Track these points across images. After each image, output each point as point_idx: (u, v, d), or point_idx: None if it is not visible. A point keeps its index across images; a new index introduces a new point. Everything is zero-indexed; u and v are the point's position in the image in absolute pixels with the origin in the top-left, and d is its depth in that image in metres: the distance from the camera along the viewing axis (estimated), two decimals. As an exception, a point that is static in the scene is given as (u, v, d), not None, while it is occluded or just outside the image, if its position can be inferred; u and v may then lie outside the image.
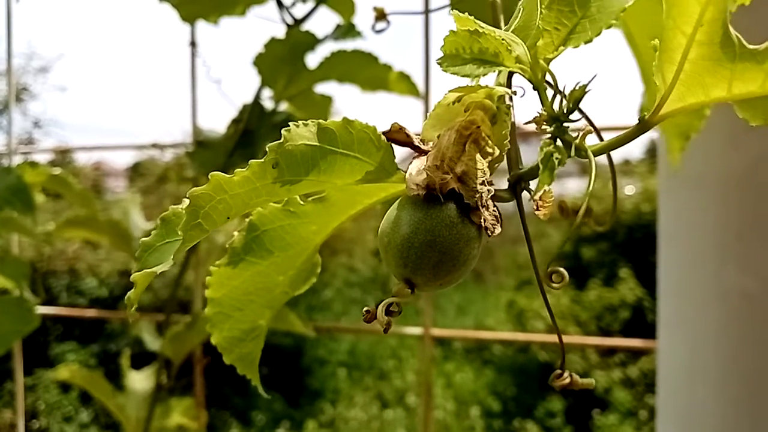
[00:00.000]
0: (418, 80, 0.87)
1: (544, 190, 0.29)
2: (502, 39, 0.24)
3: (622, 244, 4.15)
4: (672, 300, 0.69)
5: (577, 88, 0.25)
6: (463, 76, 0.25)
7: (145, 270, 0.27)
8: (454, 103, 0.28)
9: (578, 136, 0.26)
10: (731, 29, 0.23)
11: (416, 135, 0.28)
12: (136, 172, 5.82)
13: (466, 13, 0.25)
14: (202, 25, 0.92)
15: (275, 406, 4.07)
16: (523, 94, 0.30)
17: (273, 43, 0.82)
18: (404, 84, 0.87)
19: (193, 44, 0.93)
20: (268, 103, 0.92)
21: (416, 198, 0.26)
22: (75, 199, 0.80)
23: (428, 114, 0.28)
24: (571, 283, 4.24)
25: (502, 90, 0.27)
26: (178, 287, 0.92)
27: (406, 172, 0.28)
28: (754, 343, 0.62)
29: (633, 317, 4.02)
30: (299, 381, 4.33)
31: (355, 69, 0.87)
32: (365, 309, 0.26)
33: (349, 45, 0.86)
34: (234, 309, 0.35)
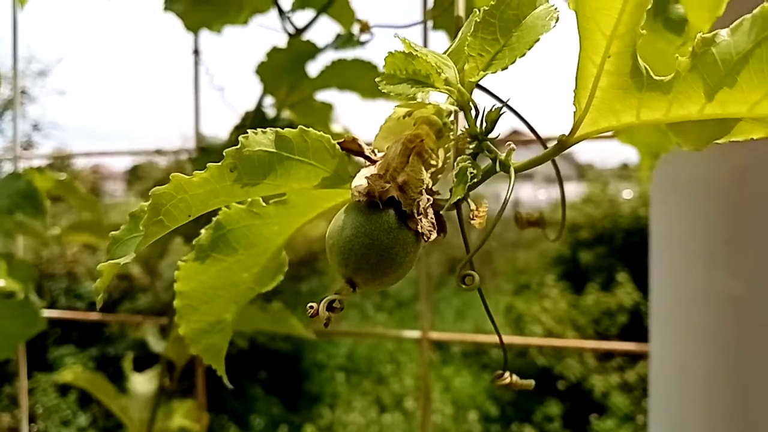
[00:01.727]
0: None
1: (480, 203, 0.31)
2: (433, 62, 0.26)
3: (620, 249, 4.17)
4: (664, 303, 0.71)
5: (493, 109, 0.27)
6: (397, 94, 0.27)
7: (110, 261, 0.28)
8: (404, 117, 0.30)
9: (506, 152, 0.28)
10: (640, 61, 0.24)
11: (368, 146, 0.30)
12: (134, 175, 5.85)
13: (405, 38, 0.27)
14: (204, 33, 0.94)
15: (273, 410, 4.07)
16: (477, 114, 0.32)
17: (275, 52, 0.84)
18: (403, 92, 0.89)
19: (196, 52, 0.95)
20: (269, 111, 0.94)
21: (360, 204, 0.28)
22: (81, 204, 0.82)
23: (380, 127, 0.30)
24: (569, 287, 4.26)
25: (449, 107, 0.29)
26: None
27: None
28: (742, 344, 0.63)
29: (631, 321, 4.04)
30: (297, 385, 4.33)
31: (355, 77, 0.89)
32: (309, 305, 0.27)
33: (349, 54, 0.88)
34: (201, 302, 0.37)
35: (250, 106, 0.94)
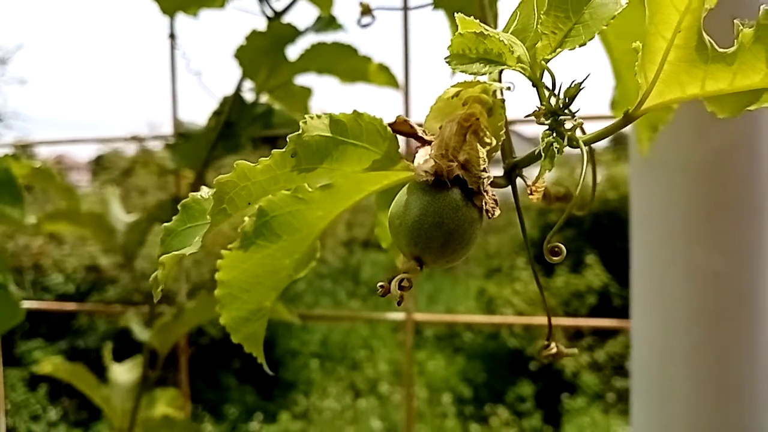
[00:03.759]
0: (397, 72, 0.89)
1: (537, 178, 0.32)
2: (506, 41, 0.26)
3: (589, 231, 4.24)
4: (644, 280, 0.73)
5: (572, 85, 0.27)
6: (471, 73, 0.27)
7: (173, 252, 0.28)
8: (452, 97, 0.30)
9: (571, 127, 0.28)
10: (705, 34, 0.26)
11: (419, 126, 0.30)
12: (99, 165, 5.73)
13: (472, 17, 0.28)
14: (177, 17, 0.92)
15: (248, 398, 4.07)
16: (513, 89, 0.32)
17: (254, 35, 0.83)
18: (383, 75, 0.89)
19: (172, 36, 0.93)
20: (246, 95, 0.93)
21: (424, 184, 0.28)
22: (59, 193, 0.80)
23: (430, 107, 0.30)
24: (539, 269, 4.32)
25: (497, 85, 0.30)
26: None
27: (411, 161, 0.30)
28: (722, 318, 0.65)
29: (599, 302, 4.11)
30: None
31: (334, 61, 0.89)
32: (379, 284, 0.28)
33: (328, 37, 0.87)
34: (242, 290, 0.37)
35: (226, 91, 0.93)
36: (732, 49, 0.25)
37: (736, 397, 0.67)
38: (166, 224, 0.30)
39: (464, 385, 4.06)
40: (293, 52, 0.88)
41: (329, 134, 0.27)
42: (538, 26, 0.27)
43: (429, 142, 0.29)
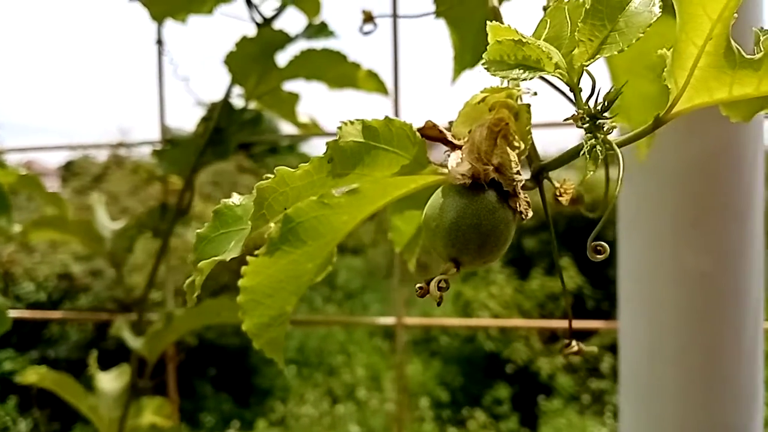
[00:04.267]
0: (386, 78, 0.90)
1: (566, 181, 0.32)
2: (544, 48, 0.27)
3: (563, 234, 4.28)
4: (632, 281, 0.74)
5: (611, 90, 0.28)
6: (512, 79, 0.28)
7: (212, 258, 0.29)
8: (479, 102, 0.31)
9: (606, 131, 0.29)
10: (732, 41, 0.27)
11: (447, 131, 0.31)
12: (69, 171, 5.63)
13: (508, 24, 0.28)
14: (148, 22, 0.92)
15: (224, 406, 4.03)
16: (536, 95, 0.33)
17: (245, 41, 0.83)
18: (372, 82, 0.90)
19: (159, 42, 0.93)
20: (234, 101, 0.93)
21: (459, 187, 0.29)
22: (46, 200, 0.79)
23: (458, 112, 0.31)
24: (514, 273, 4.36)
25: (521, 90, 0.31)
26: (126, 285, 0.92)
27: (441, 165, 0.31)
28: (709, 318, 0.67)
29: (573, 304, 4.16)
30: (248, 380, 4.29)
31: (324, 67, 0.89)
32: (418, 286, 0.28)
33: (317, 44, 0.87)
34: (265, 296, 0.37)
35: (210, 97, 0.93)
36: (758, 55, 0.26)
37: (722, 396, 0.69)
38: (198, 231, 0.30)
39: (441, 389, 4.07)
40: (282, 58, 0.89)
41: (362, 140, 0.28)
42: (576, 33, 0.28)
43: (458, 147, 0.30)
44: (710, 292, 0.66)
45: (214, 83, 1.03)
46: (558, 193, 0.31)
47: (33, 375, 0.93)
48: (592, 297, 4.25)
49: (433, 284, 0.28)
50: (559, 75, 0.27)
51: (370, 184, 0.32)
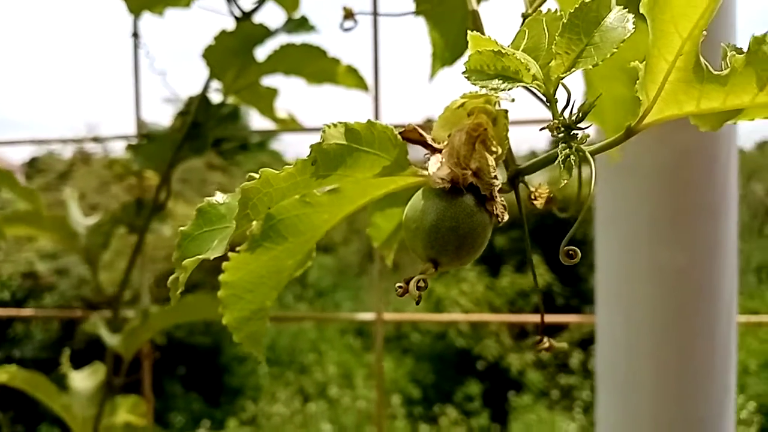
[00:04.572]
0: (366, 74, 0.90)
1: (540, 185, 0.33)
2: (522, 60, 0.28)
3: (533, 232, 4.33)
4: (609, 278, 0.76)
5: (585, 103, 0.29)
6: (491, 89, 0.29)
7: (196, 256, 0.29)
8: (458, 107, 0.31)
9: (579, 140, 0.30)
10: (701, 58, 0.28)
11: (428, 134, 0.32)
12: (33, 168, 5.52)
13: (489, 36, 0.29)
14: (133, 16, 0.91)
15: (194, 406, 3.99)
16: (513, 101, 0.34)
17: (224, 35, 0.82)
18: (352, 77, 0.89)
19: (135, 35, 0.91)
20: (211, 96, 0.92)
21: (439, 190, 0.30)
22: (20, 195, 0.77)
23: (438, 117, 0.32)
24: (485, 270, 4.40)
25: (500, 96, 0.31)
26: (76, 283, 0.91)
27: (421, 167, 0.32)
28: (685, 314, 0.69)
29: (544, 301, 4.21)
30: (218, 379, 4.26)
31: (303, 62, 0.89)
32: (397, 285, 0.29)
33: (297, 38, 0.87)
34: (246, 291, 0.37)
35: (186, 92, 0.92)
36: (725, 72, 0.27)
37: (696, 389, 0.70)
38: (182, 228, 0.30)
39: (413, 386, 4.09)
40: (261, 52, 0.88)
41: (345, 142, 0.29)
42: (553, 46, 0.28)
43: (438, 150, 0.31)
44: (686, 288, 0.68)
45: (190, 78, 1.02)
46: (533, 197, 0.32)
47: (3, 374, 0.91)
48: (562, 294, 4.31)
49: (412, 283, 0.29)
50: (536, 86, 0.28)
51: (351, 184, 0.32)
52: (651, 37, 0.28)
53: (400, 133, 0.30)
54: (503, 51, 0.28)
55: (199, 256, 0.29)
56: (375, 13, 0.83)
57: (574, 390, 3.92)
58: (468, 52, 0.29)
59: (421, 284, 0.29)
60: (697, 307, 0.68)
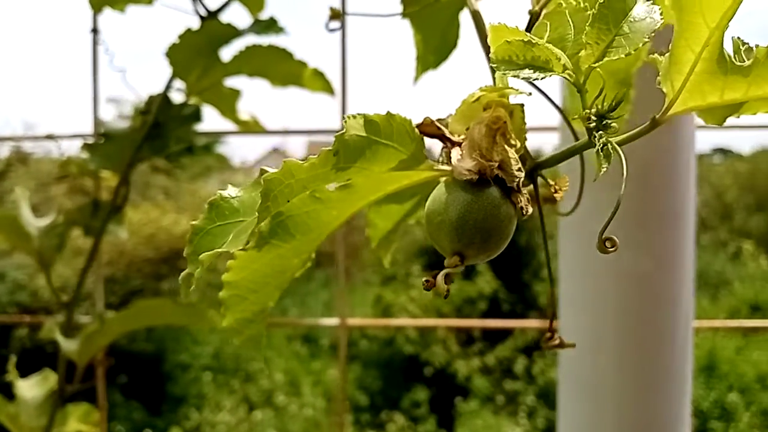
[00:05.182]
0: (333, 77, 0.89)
1: (561, 179, 0.33)
2: (553, 49, 0.28)
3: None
4: (574, 281, 0.77)
5: (619, 93, 0.30)
6: (523, 78, 0.29)
7: (214, 250, 0.28)
8: (474, 101, 0.31)
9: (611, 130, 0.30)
10: (725, 48, 0.29)
11: (445, 127, 0.31)
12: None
13: (516, 26, 0.29)
14: (94, 12, 0.88)
15: (135, 415, 3.87)
16: (530, 95, 0.34)
17: (189, 34, 0.80)
18: (318, 81, 0.89)
19: (95, 31, 0.88)
20: (173, 95, 0.90)
21: (463, 182, 0.29)
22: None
23: (455, 110, 0.32)
24: (432, 275, 4.42)
25: (515, 90, 0.31)
26: (58, 287, 0.87)
27: (438, 162, 0.31)
28: (647, 317, 0.71)
29: (490, 308, 4.28)
30: (160, 388, 4.15)
31: (269, 64, 0.88)
32: (424, 279, 0.29)
33: (263, 40, 0.86)
34: (250, 291, 0.36)
35: (146, 92, 0.90)
36: (748, 63, 0.28)
37: (657, 391, 0.72)
38: (194, 223, 0.29)
39: (360, 393, 4.08)
40: (226, 53, 0.87)
41: (364, 134, 0.28)
42: (583, 36, 0.29)
43: (457, 143, 0.30)
44: (649, 293, 0.70)
45: (149, 78, 1.00)
46: (554, 191, 0.32)
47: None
48: (507, 300, 4.38)
49: (439, 277, 0.28)
50: (567, 76, 0.28)
51: (364, 179, 0.32)
52: (677, 28, 0.28)
53: (417, 126, 0.30)
54: (533, 41, 0.28)
55: (216, 250, 0.28)
56: (343, 13, 0.82)
57: (519, 395, 3.98)
58: (494, 45, 0.29)
59: (449, 278, 0.29)
60: (659, 311, 0.71)
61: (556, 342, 0.36)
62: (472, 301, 4.31)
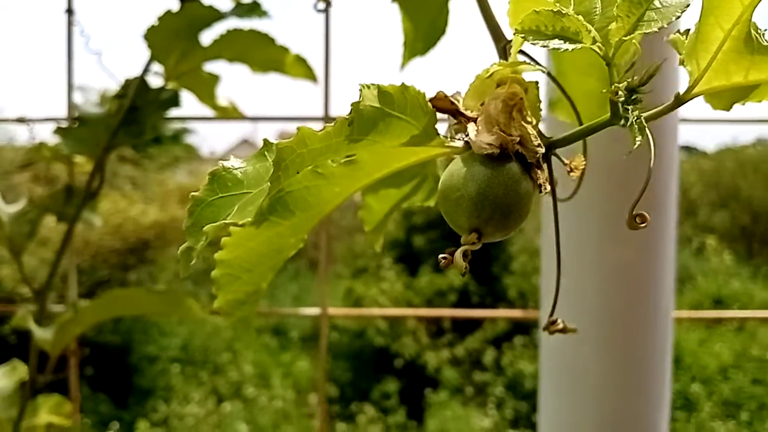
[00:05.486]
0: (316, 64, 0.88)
1: (577, 156, 0.33)
2: (583, 21, 0.27)
3: (451, 232, 4.39)
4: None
5: (652, 65, 0.29)
6: (552, 49, 0.28)
7: (219, 221, 0.26)
8: (487, 77, 0.31)
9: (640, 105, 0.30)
10: (752, 28, 0.28)
11: (459, 102, 0.31)
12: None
13: None
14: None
15: (101, 407, 3.81)
16: (545, 71, 0.34)
17: (169, 16, 0.78)
18: (300, 67, 0.87)
19: (69, 12, 0.86)
20: (149, 79, 0.88)
21: (482, 157, 0.29)
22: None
23: (468, 85, 0.31)
24: (404, 269, 4.44)
25: (530, 66, 0.31)
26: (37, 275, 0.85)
27: (450, 137, 0.31)
28: (629, 308, 0.71)
29: (459, 300, 4.30)
30: (127, 380, 4.09)
31: (250, 49, 0.86)
32: (441, 256, 0.28)
33: (244, 24, 0.84)
34: (244, 270, 0.35)
35: (121, 75, 0.87)
36: None
37: (639, 381, 0.73)
38: (194, 194, 0.28)
39: (330, 384, 4.07)
40: (206, 37, 0.85)
41: (378, 105, 0.27)
42: (614, 9, 0.28)
43: (471, 119, 0.30)
44: (632, 283, 0.71)
45: (126, 62, 0.97)
46: (569, 169, 0.32)
47: None
48: (477, 293, 4.41)
49: (457, 254, 0.28)
50: (597, 48, 0.28)
51: (370, 155, 0.31)
52: (706, 4, 0.28)
53: (430, 100, 0.29)
54: (563, 11, 0.27)
55: (222, 221, 0.27)
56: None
57: (488, 386, 4.02)
58: (513, 17, 0.28)
59: (467, 255, 0.29)
60: (642, 301, 0.71)
61: (560, 327, 0.36)
62: (442, 293, 4.33)
